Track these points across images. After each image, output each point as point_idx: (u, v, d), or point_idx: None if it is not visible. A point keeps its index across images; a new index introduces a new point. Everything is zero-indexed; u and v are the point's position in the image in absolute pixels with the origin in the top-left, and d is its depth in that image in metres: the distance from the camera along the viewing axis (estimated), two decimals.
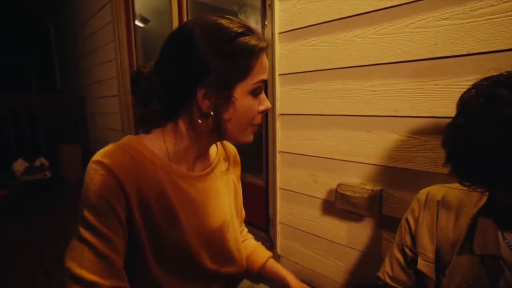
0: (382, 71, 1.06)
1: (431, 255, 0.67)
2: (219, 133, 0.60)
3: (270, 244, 1.58)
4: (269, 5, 1.35)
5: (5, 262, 1.76)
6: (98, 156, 0.55)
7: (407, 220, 0.74)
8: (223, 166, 0.75)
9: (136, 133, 0.66)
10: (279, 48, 1.37)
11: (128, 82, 2.66)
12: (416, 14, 0.95)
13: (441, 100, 0.93)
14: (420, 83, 0.97)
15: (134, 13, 2.68)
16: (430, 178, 0.98)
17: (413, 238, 0.71)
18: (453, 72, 0.90)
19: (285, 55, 1.36)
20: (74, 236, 0.53)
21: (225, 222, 0.71)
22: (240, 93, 0.57)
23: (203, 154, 0.68)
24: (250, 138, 0.64)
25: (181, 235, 0.62)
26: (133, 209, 0.56)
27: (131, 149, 0.58)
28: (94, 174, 0.53)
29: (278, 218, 1.52)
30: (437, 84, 0.94)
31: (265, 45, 0.59)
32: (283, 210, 1.49)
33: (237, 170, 0.81)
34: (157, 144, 0.61)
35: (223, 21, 0.57)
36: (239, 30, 0.57)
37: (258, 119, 0.62)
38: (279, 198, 1.50)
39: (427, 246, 0.67)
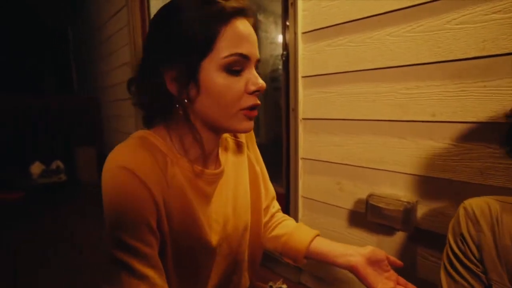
0: (418, 72, 0.97)
1: (507, 283, 0.55)
2: (202, 121, 0.52)
3: None
4: (292, 3, 1.29)
5: (15, 262, 1.75)
6: (118, 159, 0.47)
7: (463, 238, 0.61)
8: (232, 145, 0.67)
9: None
10: (302, 48, 1.30)
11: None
12: (460, 9, 0.86)
13: (489, 104, 0.84)
14: (464, 85, 0.88)
15: (149, 16, 2.67)
16: (475, 190, 0.88)
17: (482, 261, 0.59)
18: (506, 72, 0.80)
19: (308, 56, 1.28)
20: (108, 259, 0.47)
21: (245, 222, 0.65)
22: (209, 69, 0.48)
23: (214, 147, 0.59)
24: (245, 125, 0.52)
25: (202, 238, 0.56)
26: (162, 216, 0.50)
27: (151, 145, 0.51)
28: (118, 182, 0.46)
29: None
30: (484, 86, 0.84)
31: (235, 8, 0.48)
32: (305, 220, 1.41)
33: (251, 143, 0.71)
34: (165, 140, 0.54)
35: None
36: None
37: (248, 101, 0.51)
38: (301, 207, 1.42)
39: (500, 272, 0.56)
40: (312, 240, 0.67)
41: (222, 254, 0.61)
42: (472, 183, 0.89)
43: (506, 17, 0.78)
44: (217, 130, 0.56)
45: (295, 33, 1.29)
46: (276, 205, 0.78)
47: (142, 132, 0.54)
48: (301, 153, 1.38)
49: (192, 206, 0.54)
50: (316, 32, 1.24)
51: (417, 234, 1.03)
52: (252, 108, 0.52)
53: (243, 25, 0.50)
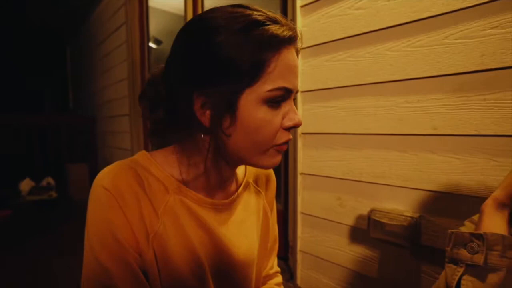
0: (419, 86, 0.97)
1: None
2: (224, 155, 0.48)
3: (289, 274, 1.44)
4: (291, 20, 1.30)
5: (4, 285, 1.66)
6: (101, 179, 0.47)
7: None
8: (251, 190, 0.63)
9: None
10: (301, 64, 1.31)
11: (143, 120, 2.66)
12: (458, 24, 0.88)
13: (490, 117, 0.84)
14: (464, 98, 0.88)
15: (148, 34, 2.71)
16: (478, 204, 0.86)
17: None
18: (505, 86, 0.81)
19: (308, 71, 1.29)
20: (82, 274, 0.45)
21: (249, 259, 0.59)
22: (249, 101, 0.44)
23: (222, 182, 0.56)
24: (274, 161, 0.49)
25: (198, 272, 0.51)
26: (142, 241, 0.47)
27: (141, 168, 0.49)
28: (96, 201, 0.46)
29: (299, 246, 1.39)
30: (485, 99, 0.84)
31: (286, 36, 0.43)
32: (305, 237, 1.37)
33: (271, 193, 0.68)
34: (170, 165, 0.52)
35: (240, 9, 0.45)
36: (255, 18, 0.43)
37: (283, 137, 0.47)
38: (300, 224, 1.38)
39: None
40: None
41: None
42: (476, 197, 0.87)
43: (503, 32, 0.80)
44: (238, 163, 0.53)
45: None
46: (275, 266, 0.72)
47: (139, 156, 0.52)
48: (300, 168, 1.36)
49: (188, 236, 0.50)
50: (315, 48, 1.25)
51: (420, 250, 1.00)
52: (284, 143, 0.48)
53: (291, 56, 0.45)
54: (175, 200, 0.50)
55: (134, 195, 0.47)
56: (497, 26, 0.81)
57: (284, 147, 0.49)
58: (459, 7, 0.87)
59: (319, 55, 1.24)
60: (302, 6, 1.28)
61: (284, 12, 1.38)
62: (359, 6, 1.10)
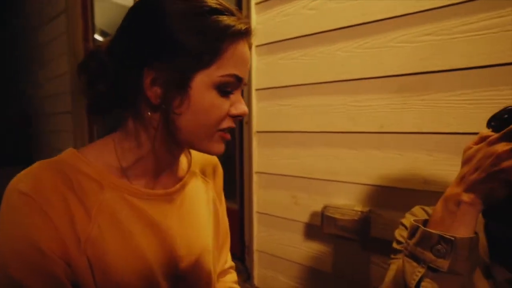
0: (367, 86, 1.02)
1: None
2: (172, 134, 0.48)
3: (246, 275, 1.42)
4: (245, 17, 1.29)
5: None
6: (18, 183, 0.42)
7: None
8: (199, 179, 0.62)
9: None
10: (256, 61, 1.30)
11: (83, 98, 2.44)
12: (400, 29, 0.93)
13: (427, 116, 0.91)
14: (406, 98, 0.94)
15: (93, 25, 2.50)
16: (419, 197, 0.93)
17: None
18: (439, 87, 0.88)
19: (262, 69, 1.29)
20: None
21: (202, 252, 0.57)
22: (201, 83, 0.46)
23: (169, 165, 0.55)
24: (219, 147, 0.51)
25: (145, 272, 0.48)
26: (72, 248, 0.42)
27: (69, 167, 0.45)
28: (11, 208, 0.41)
29: (255, 246, 1.38)
30: (423, 99, 0.91)
31: (242, 28, 0.47)
32: (261, 236, 1.36)
33: (218, 184, 0.67)
34: (105, 156, 0.49)
35: None
36: (214, 6, 0.46)
37: (227, 123, 0.50)
38: (256, 223, 1.37)
39: None
40: None
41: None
42: (417, 190, 0.94)
43: (436, 39, 0.87)
44: (185, 145, 0.53)
45: None
46: (229, 260, 0.72)
47: (65, 154, 0.48)
48: (256, 167, 1.35)
49: (129, 235, 0.47)
50: (270, 46, 1.25)
51: (370, 242, 1.05)
52: (228, 130, 0.50)
53: (245, 49, 0.49)
54: (112, 197, 0.47)
55: (61, 197, 0.43)
56: (431, 33, 0.87)
57: (228, 136, 0.51)
58: (401, 13, 0.93)
59: (273, 53, 1.24)
60: (257, 3, 1.27)
61: (239, 8, 1.35)
62: (312, 7, 1.12)
